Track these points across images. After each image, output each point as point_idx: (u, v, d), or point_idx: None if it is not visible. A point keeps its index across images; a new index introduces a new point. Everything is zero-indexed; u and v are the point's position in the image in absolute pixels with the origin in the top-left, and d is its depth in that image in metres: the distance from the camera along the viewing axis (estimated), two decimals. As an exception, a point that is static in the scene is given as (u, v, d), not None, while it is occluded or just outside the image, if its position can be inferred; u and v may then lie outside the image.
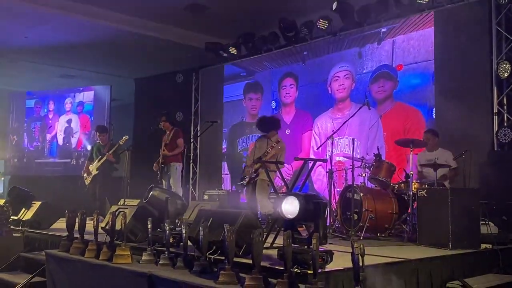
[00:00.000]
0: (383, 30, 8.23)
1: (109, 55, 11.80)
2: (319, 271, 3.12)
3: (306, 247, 3.45)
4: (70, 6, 9.42)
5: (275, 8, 9.04)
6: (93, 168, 8.77)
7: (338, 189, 7.32)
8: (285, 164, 7.87)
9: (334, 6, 8.30)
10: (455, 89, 7.27)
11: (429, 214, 5.27)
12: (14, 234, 6.27)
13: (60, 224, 6.89)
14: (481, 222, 5.31)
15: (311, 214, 3.51)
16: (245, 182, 6.98)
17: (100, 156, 8.76)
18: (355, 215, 6.01)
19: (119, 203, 7.06)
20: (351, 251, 2.93)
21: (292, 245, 3.18)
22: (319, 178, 8.83)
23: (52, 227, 6.86)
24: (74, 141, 12.57)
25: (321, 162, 7.01)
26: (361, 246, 2.88)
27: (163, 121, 8.12)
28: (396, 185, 6.45)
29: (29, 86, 13.87)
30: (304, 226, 4.98)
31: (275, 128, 7.22)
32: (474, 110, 7.02)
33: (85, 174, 8.92)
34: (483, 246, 5.10)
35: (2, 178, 15.52)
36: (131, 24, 10.16)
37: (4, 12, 9.44)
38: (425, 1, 7.51)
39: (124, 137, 8.72)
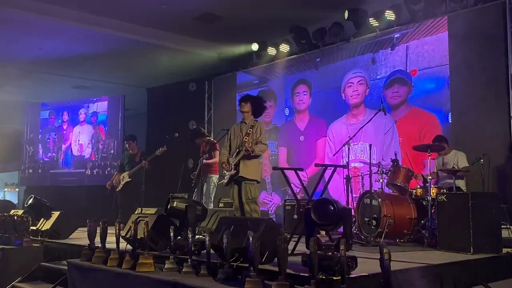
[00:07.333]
0: (397, 35, 8.23)
1: (122, 65, 11.90)
2: (344, 277, 3.11)
3: (330, 253, 3.44)
4: (83, 18, 9.53)
5: (287, 16, 9.08)
6: (125, 175, 8.82)
7: (355, 195, 7.29)
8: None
9: (346, 15, 8.38)
10: (471, 93, 7.26)
11: (449, 219, 5.24)
12: (33, 244, 6.31)
13: (78, 233, 6.94)
14: (502, 227, 5.28)
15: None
16: (224, 181, 6.13)
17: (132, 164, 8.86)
18: (373, 221, 5.99)
19: (135, 212, 7.08)
20: (372, 257, 2.92)
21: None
22: (334, 184, 8.79)
23: (70, 236, 6.90)
24: (88, 151, 12.63)
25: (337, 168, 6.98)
26: (389, 251, 2.87)
27: (198, 139, 8.47)
28: (414, 190, 6.42)
29: (44, 97, 14.01)
30: (324, 232, 5.00)
31: (249, 100, 6.11)
32: (491, 114, 7.00)
33: (110, 184, 9.03)
34: (504, 250, 5.06)
35: (17, 189, 15.65)
36: (143, 34, 10.25)
37: (18, 24, 9.56)
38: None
39: (161, 148, 8.71)
